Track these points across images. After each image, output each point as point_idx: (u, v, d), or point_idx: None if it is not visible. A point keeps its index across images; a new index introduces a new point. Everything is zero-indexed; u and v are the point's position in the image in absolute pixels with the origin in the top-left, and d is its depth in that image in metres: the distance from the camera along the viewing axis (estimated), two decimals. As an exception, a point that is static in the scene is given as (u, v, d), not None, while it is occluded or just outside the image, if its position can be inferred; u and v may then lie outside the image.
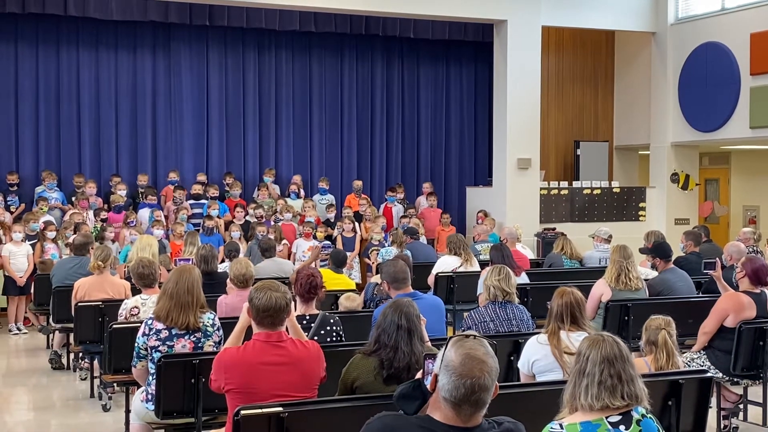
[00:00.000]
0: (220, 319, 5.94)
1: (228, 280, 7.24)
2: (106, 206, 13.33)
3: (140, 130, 14.92)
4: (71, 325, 8.24)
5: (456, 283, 9.53)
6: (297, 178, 15.07)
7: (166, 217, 13.40)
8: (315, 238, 12.72)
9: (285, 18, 15.03)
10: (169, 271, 7.95)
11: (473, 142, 17.17)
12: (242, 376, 4.22)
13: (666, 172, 15.90)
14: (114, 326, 6.44)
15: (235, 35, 15.37)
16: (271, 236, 12.17)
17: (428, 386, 2.92)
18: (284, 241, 12.52)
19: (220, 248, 10.66)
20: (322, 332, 5.60)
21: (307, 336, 5.52)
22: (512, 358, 5.84)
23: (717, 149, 17.42)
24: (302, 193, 14.89)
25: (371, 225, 13.55)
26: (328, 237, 13.24)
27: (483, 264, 9.64)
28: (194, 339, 5.37)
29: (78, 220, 12.18)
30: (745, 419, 7.24)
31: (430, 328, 5.37)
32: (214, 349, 5.41)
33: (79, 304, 7.85)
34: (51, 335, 10.28)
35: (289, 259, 11.75)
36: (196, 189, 13.99)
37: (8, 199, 13.22)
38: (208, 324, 5.43)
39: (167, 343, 5.32)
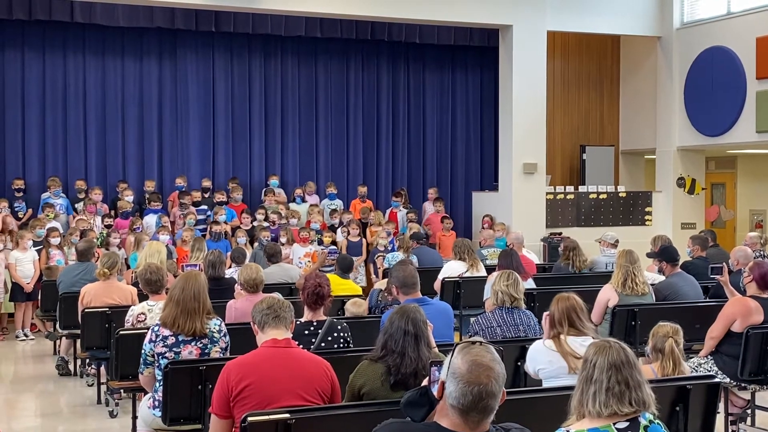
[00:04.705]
0: (229, 324, 5.96)
1: (237, 285, 7.26)
2: (112, 212, 13.37)
3: (146, 136, 14.95)
4: (78, 332, 8.24)
5: (462, 288, 9.51)
6: (311, 185, 15.10)
7: (173, 223, 13.42)
8: (321, 243, 12.74)
9: (291, 24, 15.06)
10: (175, 276, 7.97)
11: (479, 147, 17.17)
12: (251, 375, 4.21)
13: (672, 177, 15.88)
14: (121, 332, 6.45)
15: (241, 41, 15.39)
16: (283, 239, 12.25)
17: (435, 393, 2.92)
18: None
19: (227, 254, 10.67)
20: (329, 338, 5.59)
21: (314, 342, 5.54)
22: (519, 363, 5.83)
23: (723, 153, 17.39)
24: (311, 198, 14.88)
25: (376, 230, 13.56)
26: (334, 242, 13.23)
27: (489, 269, 9.63)
28: (201, 345, 5.38)
29: (84, 227, 12.20)
30: (752, 425, 7.22)
31: (438, 333, 5.37)
32: (221, 355, 5.43)
33: (86, 310, 7.86)
34: (58, 341, 10.30)
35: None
36: (196, 196, 14.00)
37: (15, 205, 13.25)
38: (214, 330, 5.44)
39: (174, 349, 5.32)
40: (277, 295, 5.41)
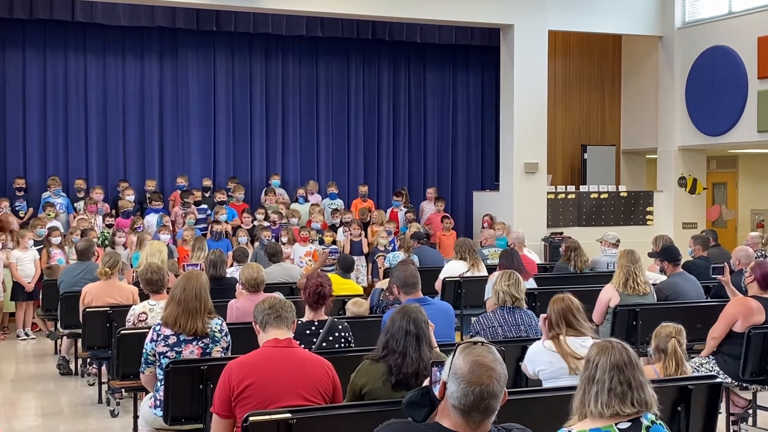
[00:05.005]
0: (230, 324, 5.95)
1: (238, 285, 7.26)
2: (113, 212, 13.37)
3: (147, 136, 14.95)
4: (79, 331, 8.24)
5: (463, 288, 9.50)
6: (313, 184, 15.12)
7: (173, 222, 13.42)
8: (322, 243, 12.75)
9: (292, 23, 15.06)
10: (177, 276, 7.96)
11: (480, 147, 17.16)
12: (253, 375, 4.22)
13: (673, 176, 15.88)
14: (122, 332, 6.45)
15: (242, 40, 15.39)
16: (284, 239, 12.26)
17: (436, 394, 2.92)
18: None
19: (229, 253, 10.68)
20: (331, 338, 5.58)
21: (315, 342, 5.54)
22: (520, 363, 5.82)
23: (724, 153, 17.38)
24: (313, 198, 14.87)
25: (378, 229, 13.57)
26: (334, 242, 13.23)
27: (490, 269, 9.62)
28: (202, 345, 5.38)
29: (85, 226, 12.20)
30: (754, 424, 7.22)
31: (439, 333, 5.37)
32: (222, 354, 5.42)
33: (87, 309, 7.86)
34: (59, 341, 10.30)
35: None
36: (198, 195, 14.00)
37: (16, 204, 13.25)
38: (216, 330, 5.44)
39: (175, 348, 5.32)
40: (278, 294, 5.41)
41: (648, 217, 15.91)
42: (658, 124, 16.17)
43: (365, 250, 13.49)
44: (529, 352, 5.29)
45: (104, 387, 8.29)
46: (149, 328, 5.62)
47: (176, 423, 5.35)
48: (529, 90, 14.65)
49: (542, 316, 5.26)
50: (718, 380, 5.04)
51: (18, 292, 11.70)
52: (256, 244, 12.54)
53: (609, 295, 7.69)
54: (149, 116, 14.95)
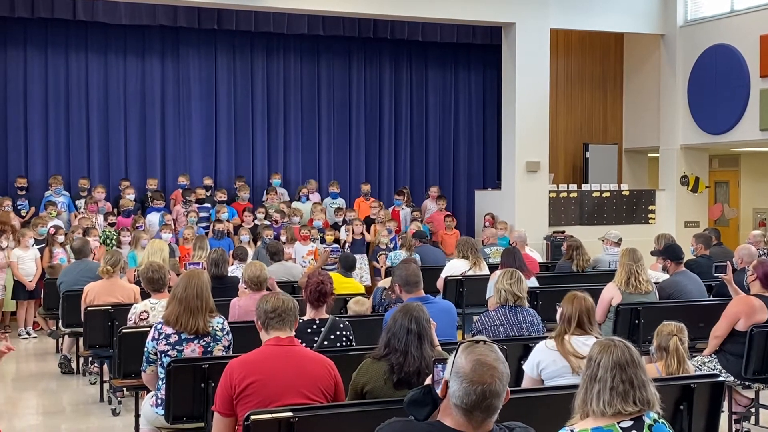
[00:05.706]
0: (232, 322, 5.95)
1: (241, 283, 7.26)
2: (115, 210, 13.37)
3: (149, 134, 14.95)
4: (81, 330, 8.24)
5: (465, 287, 9.49)
6: (313, 182, 15.11)
7: (175, 221, 13.41)
8: (323, 241, 12.74)
9: (293, 22, 15.04)
10: (178, 275, 7.96)
11: (482, 146, 17.15)
12: (255, 373, 4.21)
13: (676, 175, 15.86)
14: (123, 330, 6.45)
15: (244, 39, 15.39)
16: (283, 238, 12.25)
17: (438, 392, 2.91)
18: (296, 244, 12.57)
19: (230, 252, 10.68)
20: (332, 337, 5.59)
21: (316, 341, 5.54)
22: (522, 362, 5.80)
23: (727, 151, 17.36)
24: (313, 196, 14.86)
25: (381, 228, 13.56)
26: (336, 240, 13.23)
27: (492, 267, 9.61)
28: (204, 343, 5.37)
29: (86, 225, 12.19)
30: (756, 423, 7.21)
31: (441, 332, 5.36)
32: (224, 353, 5.42)
33: (89, 308, 7.86)
34: (60, 339, 10.30)
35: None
36: (200, 194, 13.99)
37: (18, 203, 13.25)
38: (217, 328, 5.43)
39: (177, 347, 5.32)
40: (279, 292, 5.40)
41: (650, 215, 15.89)
42: (660, 123, 16.15)
43: (368, 239, 13.51)
44: (534, 353, 5.26)
45: (106, 386, 8.29)
46: (151, 326, 5.62)
47: (178, 422, 5.35)
48: (530, 88, 14.64)
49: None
50: (721, 379, 5.02)
51: (19, 290, 11.70)
52: (258, 243, 12.53)
53: (611, 294, 7.68)
54: (150, 115, 14.95)
